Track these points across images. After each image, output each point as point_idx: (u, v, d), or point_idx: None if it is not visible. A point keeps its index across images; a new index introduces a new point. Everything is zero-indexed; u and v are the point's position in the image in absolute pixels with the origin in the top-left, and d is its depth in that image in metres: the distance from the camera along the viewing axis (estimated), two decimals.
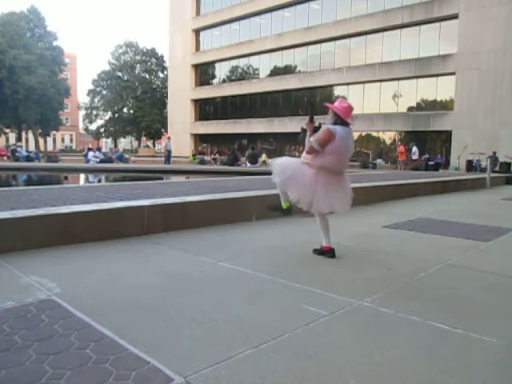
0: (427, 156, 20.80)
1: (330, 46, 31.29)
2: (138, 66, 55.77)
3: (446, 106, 25.98)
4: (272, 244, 4.04)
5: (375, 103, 28.67)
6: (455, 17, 24.41)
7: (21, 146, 28.88)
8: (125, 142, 71.81)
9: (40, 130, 47.61)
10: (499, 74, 22.73)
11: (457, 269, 3.34)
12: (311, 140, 3.40)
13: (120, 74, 55.71)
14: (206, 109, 41.95)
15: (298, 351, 1.89)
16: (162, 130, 53.60)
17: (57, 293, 2.51)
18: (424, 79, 26.45)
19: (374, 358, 1.85)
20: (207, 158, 26.86)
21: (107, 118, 57.47)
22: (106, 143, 68.31)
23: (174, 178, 14.89)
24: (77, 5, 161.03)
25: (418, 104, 27.46)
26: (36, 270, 2.96)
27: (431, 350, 1.94)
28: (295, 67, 34.18)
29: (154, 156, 38.98)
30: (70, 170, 17.11)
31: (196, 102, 41.98)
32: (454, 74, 24.55)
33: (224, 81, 40.39)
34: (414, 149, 21.19)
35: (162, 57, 55.74)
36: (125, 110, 56.49)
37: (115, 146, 54.36)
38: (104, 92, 56.30)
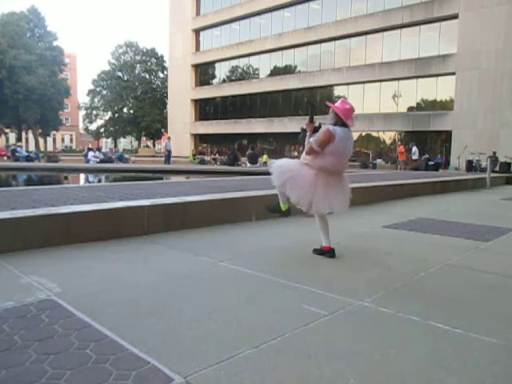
0: (427, 156, 20.79)
1: (329, 45, 31.30)
2: (137, 65, 55.78)
3: (446, 105, 25.99)
4: (272, 244, 4.04)
5: (375, 103, 28.68)
6: (455, 17, 24.41)
7: (21, 146, 28.88)
8: (125, 142, 71.83)
9: (40, 130, 47.63)
10: (499, 74, 22.74)
11: (457, 269, 3.34)
12: (311, 141, 3.40)
13: (120, 74, 55.73)
14: (206, 109, 41.96)
15: (298, 351, 1.89)
16: (162, 130, 53.62)
17: (57, 293, 2.51)
18: (424, 79, 26.46)
19: (373, 358, 1.85)
20: (207, 158, 26.86)
21: (107, 118, 57.49)
22: (106, 143, 68.31)
23: (174, 178, 14.89)
24: (77, 5, 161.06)
25: (418, 104, 27.47)
26: (36, 269, 2.96)
27: (431, 350, 1.94)
28: (295, 67, 34.19)
29: (153, 156, 39.01)
30: (70, 170, 17.11)
31: (196, 101, 42.00)
32: (454, 73, 24.56)
33: (224, 81, 40.40)
34: (414, 149, 21.20)
35: (162, 57, 55.76)
36: (125, 110, 56.51)
37: (115, 146, 54.38)
38: (104, 92, 56.32)
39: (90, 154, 20.05)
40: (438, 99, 26.53)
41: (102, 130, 58.80)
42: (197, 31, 41.40)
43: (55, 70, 45.29)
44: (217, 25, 39.29)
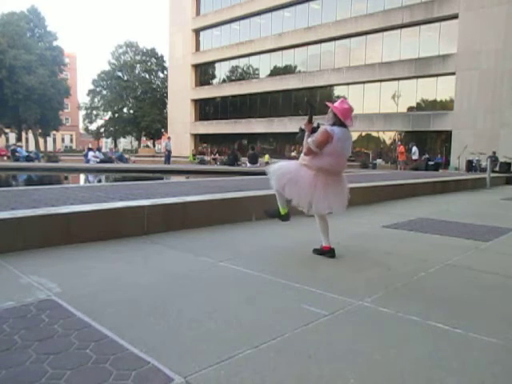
0: (427, 156, 20.79)
1: (329, 45, 31.29)
2: (137, 65, 55.77)
3: (445, 105, 25.99)
4: (272, 244, 4.04)
5: (375, 103, 28.67)
6: (455, 17, 24.41)
7: (21, 146, 28.84)
8: (125, 142, 71.83)
9: (40, 130, 47.63)
10: (499, 74, 22.73)
11: (457, 269, 3.34)
12: (309, 141, 3.39)
13: (120, 74, 55.72)
14: (206, 109, 41.96)
15: (297, 351, 1.89)
16: (162, 130, 53.62)
17: (57, 293, 2.51)
18: (424, 79, 26.46)
19: (373, 358, 1.85)
20: (207, 158, 26.85)
21: (107, 118, 57.49)
22: (106, 143, 68.31)
23: (174, 178, 14.89)
24: (77, 5, 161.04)
25: (418, 104, 27.47)
26: (36, 269, 2.96)
27: (431, 350, 1.94)
28: (295, 67, 34.19)
29: (154, 156, 38.98)
30: (70, 170, 17.11)
31: (196, 102, 41.99)
32: (453, 74, 24.55)
33: (224, 81, 40.40)
34: (414, 149, 21.20)
35: (162, 57, 55.76)
36: (125, 110, 56.51)
37: (115, 145, 54.39)
38: (104, 92, 56.32)
39: (90, 154, 20.05)
40: (438, 99, 26.53)
41: (102, 129, 58.80)
42: (197, 31, 41.40)
43: (55, 69, 45.29)
44: (217, 25, 39.28)
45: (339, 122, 3.39)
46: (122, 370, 1.67)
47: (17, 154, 22.26)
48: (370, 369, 1.77)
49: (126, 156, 24.92)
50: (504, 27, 22.37)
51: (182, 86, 41.70)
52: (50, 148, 55.36)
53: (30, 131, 48.18)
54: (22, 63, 39.53)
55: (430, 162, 19.14)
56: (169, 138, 26.16)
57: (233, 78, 39.65)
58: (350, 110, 3.43)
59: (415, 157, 21.08)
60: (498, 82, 22.77)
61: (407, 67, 26.72)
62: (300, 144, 3.61)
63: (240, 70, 39.04)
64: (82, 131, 68.65)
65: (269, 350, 1.89)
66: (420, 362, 1.83)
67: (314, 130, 3.48)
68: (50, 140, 59.18)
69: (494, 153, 19.76)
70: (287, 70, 34.48)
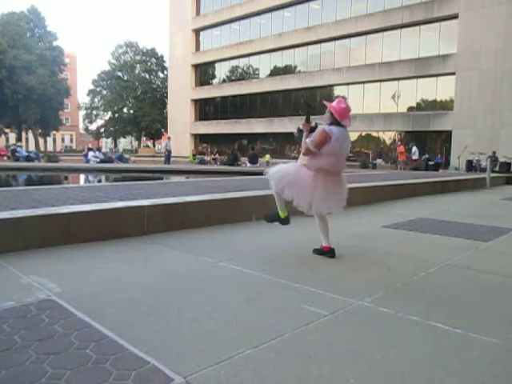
0: (427, 156, 20.80)
1: (329, 45, 31.30)
2: (137, 65, 55.78)
3: (445, 105, 25.99)
4: (272, 244, 4.03)
5: (375, 103, 28.68)
6: (455, 17, 24.41)
7: (21, 146, 28.84)
8: (125, 142, 71.83)
9: (40, 130, 47.63)
10: (499, 74, 22.74)
11: (457, 269, 3.34)
12: (307, 141, 3.39)
13: (120, 74, 55.73)
14: (206, 109, 41.96)
15: (298, 351, 1.89)
16: (162, 130, 53.62)
17: (57, 293, 2.51)
18: (424, 79, 26.46)
19: (373, 358, 1.85)
20: (207, 158, 26.86)
21: (107, 118, 57.50)
22: (106, 143, 68.31)
23: (174, 178, 14.89)
24: (77, 5, 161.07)
25: (417, 104, 27.47)
26: (36, 269, 2.96)
27: (431, 350, 1.94)
28: (295, 67, 34.19)
29: (154, 156, 39.01)
30: (70, 170, 17.11)
31: (196, 101, 42.00)
32: (453, 74, 24.56)
33: (224, 81, 40.40)
34: (414, 149, 21.20)
35: (162, 57, 55.76)
36: (125, 110, 56.52)
37: (115, 145, 54.38)
38: (104, 92, 56.32)
39: (90, 153, 20.05)
40: (438, 99, 26.53)
41: (102, 129, 58.80)
42: (197, 31, 41.40)
43: (55, 69, 45.30)
44: (217, 25, 39.28)
45: (337, 122, 3.39)
46: (122, 370, 1.67)
47: (17, 154, 22.26)
48: (369, 369, 1.77)
49: (126, 156, 24.92)
50: (504, 27, 22.37)
51: (182, 86, 41.70)
52: (50, 148, 55.35)
53: (29, 131, 48.18)
54: (22, 63, 39.53)
55: (430, 162, 19.14)
56: (169, 138, 26.17)
57: (233, 77, 39.65)
58: (347, 109, 3.41)
59: (415, 157, 21.08)
60: (498, 82, 22.78)
61: (407, 67, 26.73)
62: (299, 144, 3.60)
63: (240, 70, 39.04)
64: (82, 131, 68.66)
65: (269, 350, 1.89)
66: (420, 362, 1.83)
67: (312, 130, 3.48)
68: (50, 140, 59.18)
69: (494, 153, 19.77)
70: (287, 70, 34.48)
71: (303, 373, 1.72)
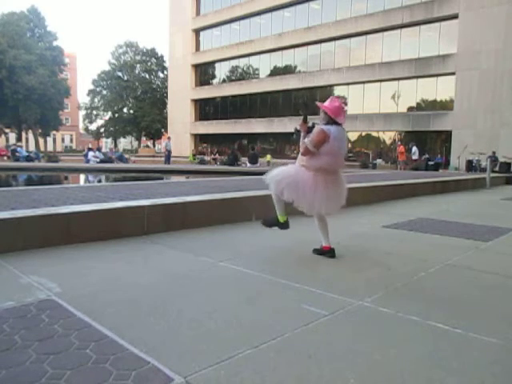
0: (427, 156, 20.80)
1: (329, 45, 31.29)
2: (137, 65, 55.78)
3: (445, 105, 25.99)
4: (272, 244, 4.03)
5: (375, 103, 28.68)
6: (455, 17, 24.41)
7: (21, 146, 28.88)
8: (125, 142, 71.83)
9: (40, 130, 47.63)
10: (499, 74, 22.74)
11: (457, 269, 3.34)
12: (305, 141, 3.39)
13: (120, 74, 55.73)
14: (206, 109, 41.96)
15: (298, 351, 1.89)
16: (162, 130, 53.62)
17: (57, 293, 2.51)
18: (424, 79, 26.46)
19: (373, 358, 1.85)
20: (207, 158, 26.88)
21: (107, 118, 57.50)
22: (106, 143, 68.31)
23: (174, 178, 14.89)
24: (77, 5, 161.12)
25: (417, 104, 27.47)
26: (36, 269, 2.96)
27: (431, 350, 1.94)
28: (295, 67, 34.19)
29: (154, 156, 39.02)
30: (70, 170, 17.11)
31: (196, 101, 42.00)
32: (453, 74, 24.56)
33: (224, 81, 40.40)
34: (414, 149, 21.20)
35: (162, 57, 55.76)
36: (125, 110, 56.52)
37: (115, 145, 54.40)
38: (104, 92, 56.32)
39: (90, 154, 20.05)
40: (438, 99, 26.53)
41: (102, 129, 58.80)
42: (197, 31, 41.40)
43: (55, 69, 45.29)
44: (217, 25, 39.28)
45: (332, 121, 3.40)
46: (122, 370, 1.67)
47: (17, 153, 22.27)
48: (370, 369, 1.77)
49: (126, 156, 24.93)
50: (504, 27, 22.37)
51: (182, 86, 41.70)
52: (50, 148, 55.32)
53: (30, 131, 48.19)
54: (22, 63, 39.54)
55: (430, 162, 19.14)
56: (169, 138, 26.17)
57: (233, 77, 39.65)
58: (341, 107, 3.40)
59: (415, 157, 21.08)
60: (498, 82, 22.78)
61: (407, 67, 26.73)
62: (297, 144, 3.60)
63: (240, 70, 39.04)
64: (82, 131, 68.66)
65: (269, 350, 1.89)
66: (420, 362, 1.83)
67: (309, 130, 3.48)
68: (50, 140, 59.15)
69: (494, 153, 19.77)
70: (287, 70, 34.48)
71: (303, 373, 1.72)
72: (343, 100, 3.46)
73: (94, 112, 57.27)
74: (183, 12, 41.49)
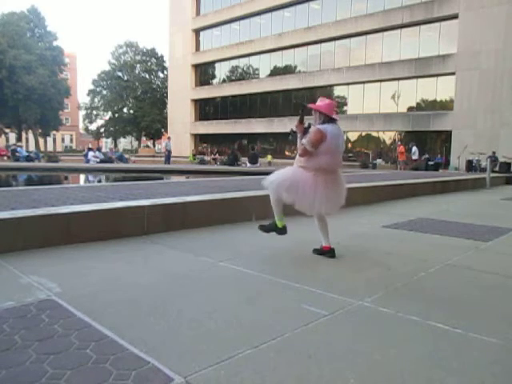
0: (427, 156, 20.80)
1: (329, 45, 31.29)
2: (137, 65, 55.77)
3: (445, 105, 25.99)
4: (272, 244, 4.03)
5: (375, 103, 28.67)
6: (455, 17, 24.41)
7: (21, 146, 28.87)
8: (125, 142, 71.83)
9: (40, 130, 47.63)
10: (499, 74, 22.73)
11: (457, 269, 3.34)
12: (303, 142, 3.39)
13: (120, 74, 55.72)
14: (206, 109, 41.96)
15: (298, 351, 1.89)
16: (162, 130, 53.62)
17: (57, 293, 2.51)
18: (424, 79, 26.45)
19: (373, 358, 1.85)
20: (207, 158, 26.88)
21: (107, 118, 57.50)
22: (106, 143, 68.30)
23: (174, 178, 14.89)
24: (77, 5, 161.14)
25: (417, 104, 27.47)
26: (36, 269, 2.96)
27: (431, 350, 1.94)
28: (295, 67, 34.18)
29: (154, 156, 39.03)
30: (70, 170, 17.11)
31: (196, 101, 41.99)
32: (453, 74, 24.56)
33: (224, 81, 40.39)
34: (414, 149, 21.20)
35: (162, 57, 55.76)
36: (125, 110, 56.52)
37: (115, 145, 54.40)
38: (104, 92, 56.32)
39: (90, 153, 20.05)
40: (438, 99, 26.53)
41: (102, 130, 58.80)
42: (197, 31, 41.39)
43: (55, 69, 45.29)
44: (217, 25, 39.27)
45: (327, 119, 3.41)
46: (122, 370, 1.67)
47: (17, 153, 22.27)
48: (369, 369, 1.77)
49: (126, 156, 24.93)
50: (504, 27, 22.37)
51: (182, 86, 41.70)
52: (50, 148, 55.32)
53: (30, 131, 48.19)
54: (22, 63, 39.54)
55: (430, 162, 19.14)
56: (169, 138, 26.17)
57: (233, 77, 39.64)
58: (332, 103, 3.45)
59: (415, 157, 21.08)
60: (498, 82, 22.77)
61: (407, 67, 26.72)
62: (294, 144, 3.61)
63: (240, 70, 39.03)
64: (82, 131, 68.66)
65: (269, 350, 1.89)
66: (420, 362, 1.83)
67: (305, 131, 3.49)
68: (50, 140, 59.14)
69: (494, 153, 19.77)
70: (287, 70, 34.47)
71: (303, 373, 1.72)
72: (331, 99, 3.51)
73: (94, 112, 57.27)
74: (183, 12, 41.48)
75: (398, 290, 2.79)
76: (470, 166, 19.42)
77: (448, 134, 25.21)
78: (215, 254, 3.56)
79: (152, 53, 56.08)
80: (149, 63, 56.20)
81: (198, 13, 41.08)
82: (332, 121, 3.42)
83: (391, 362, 1.82)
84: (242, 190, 6.01)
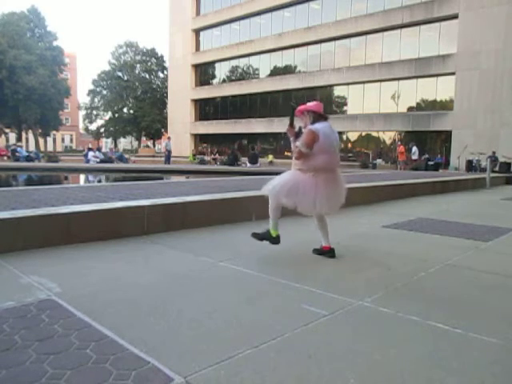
0: (427, 156, 20.80)
1: (329, 45, 31.28)
2: (138, 65, 55.77)
3: (445, 105, 25.98)
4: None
5: (375, 103, 28.67)
6: (455, 17, 24.41)
7: (21, 146, 28.87)
8: (125, 142, 71.83)
9: (40, 130, 47.63)
10: (499, 74, 22.73)
11: (457, 269, 3.34)
12: (298, 145, 3.40)
13: (120, 74, 55.71)
14: (206, 109, 41.95)
15: (298, 351, 1.89)
16: (162, 130, 53.62)
17: (57, 293, 2.52)
18: (424, 79, 26.45)
19: (373, 358, 1.85)
20: (207, 158, 26.88)
21: (107, 118, 57.49)
22: (106, 143, 68.30)
23: (174, 178, 14.90)
24: (77, 5, 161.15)
25: (417, 104, 27.46)
26: (36, 269, 2.96)
27: (431, 350, 1.94)
28: (295, 67, 34.18)
29: (154, 156, 39.01)
30: (70, 170, 17.12)
31: (196, 102, 41.99)
32: (453, 74, 24.55)
33: (224, 81, 40.39)
34: (414, 149, 21.20)
35: (162, 57, 55.75)
36: (125, 110, 56.51)
37: (115, 145, 54.38)
38: (104, 92, 56.31)
39: (90, 153, 20.05)
40: (438, 99, 26.52)
41: (102, 129, 58.79)
42: (197, 31, 41.39)
43: (55, 70, 45.28)
44: (217, 25, 39.27)
45: (318, 117, 3.44)
46: (122, 370, 1.67)
47: (17, 153, 22.27)
48: (370, 369, 1.77)
49: (126, 156, 24.93)
50: (504, 27, 22.36)
51: (182, 86, 41.69)
52: (50, 148, 55.31)
53: (30, 131, 48.18)
54: (22, 63, 39.54)
55: (430, 162, 19.14)
56: (169, 138, 26.17)
57: (233, 78, 39.64)
58: (320, 103, 3.52)
59: (415, 157, 21.08)
60: (498, 82, 22.77)
61: (407, 67, 26.72)
62: (288, 149, 3.63)
63: (240, 70, 39.03)
64: (82, 131, 68.67)
65: (269, 350, 1.89)
66: (420, 362, 1.83)
67: (297, 135, 3.51)
68: (50, 140, 59.13)
69: (494, 153, 19.77)
70: (287, 70, 34.47)
71: (303, 373, 1.72)
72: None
73: (94, 112, 57.26)
74: (183, 12, 41.48)
75: (398, 290, 2.79)
76: (470, 166, 19.42)
77: (448, 134, 25.21)
78: (215, 254, 3.56)
79: (152, 53, 56.07)
80: (149, 63, 56.19)
81: (197, 13, 41.07)
82: (322, 119, 3.45)
83: (391, 362, 1.82)
84: (242, 190, 6.01)
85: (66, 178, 15.51)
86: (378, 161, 25.53)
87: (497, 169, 17.16)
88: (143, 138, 61.63)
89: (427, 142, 27.18)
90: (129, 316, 2.22)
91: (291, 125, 3.59)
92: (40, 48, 43.81)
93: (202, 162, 23.98)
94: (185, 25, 41.40)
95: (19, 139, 46.70)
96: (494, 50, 22.77)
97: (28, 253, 3.39)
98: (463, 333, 2.13)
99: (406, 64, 26.79)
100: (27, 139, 51.41)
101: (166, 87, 48.45)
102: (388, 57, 27.90)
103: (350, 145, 31.05)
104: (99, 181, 14.84)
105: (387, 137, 29.78)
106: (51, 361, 1.73)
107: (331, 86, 31.58)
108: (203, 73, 42.09)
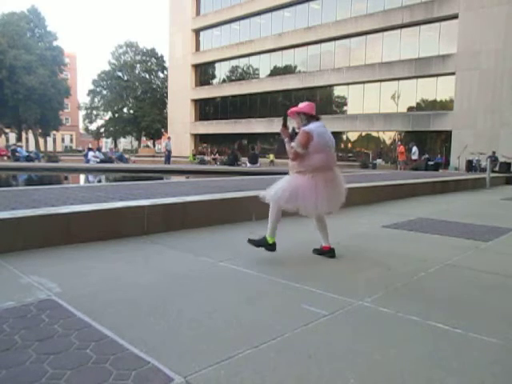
0: (427, 156, 20.78)
1: (330, 45, 31.28)
2: (138, 65, 55.78)
3: (445, 105, 25.98)
4: None
5: (375, 103, 28.66)
6: (455, 17, 24.40)
7: (21, 146, 28.87)
8: (125, 142, 71.83)
9: (40, 130, 47.63)
10: (499, 74, 22.73)
11: (457, 269, 3.34)
12: (293, 146, 3.40)
13: (120, 74, 55.72)
14: (206, 109, 41.95)
15: (298, 351, 1.89)
16: (162, 130, 53.63)
17: (57, 293, 2.51)
18: (424, 79, 26.44)
19: (373, 358, 1.85)
20: (207, 158, 26.88)
21: (107, 118, 57.50)
22: (106, 143, 68.31)
23: (174, 178, 14.89)
24: (77, 5, 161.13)
25: (417, 104, 27.46)
26: (36, 269, 2.96)
27: (431, 350, 1.94)
28: (295, 67, 34.18)
29: (154, 156, 39.03)
30: (70, 170, 17.12)
31: (196, 101, 41.99)
32: (453, 74, 24.55)
33: (224, 81, 40.39)
34: (414, 149, 21.19)
35: (162, 57, 55.76)
36: (125, 110, 56.52)
37: (115, 145, 54.38)
38: (104, 92, 56.32)
39: (90, 153, 20.04)
40: (438, 99, 26.52)
41: (102, 129, 58.80)
42: (197, 31, 41.39)
43: (55, 69, 45.28)
44: (217, 25, 39.27)
45: (310, 118, 3.46)
46: (122, 370, 1.67)
47: (17, 153, 22.26)
48: (370, 369, 1.77)
49: (126, 156, 24.92)
50: (504, 27, 22.36)
51: (182, 86, 41.69)
52: (50, 148, 55.31)
53: (30, 131, 48.18)
54: (22, 63, 39.54)
55: (430, 162, 19.13)
56: (169, 138, 26.15)
57: (233, 78, 39.64)
58: (312, 104, 3.54)
59: (415, 157, 21.07)
60: (498, 82, 22.77)
61: (407, 67, 26.72)
62: (280, 154, 3.63)
63: (240, 70, 39.02)
64: (82, 131, 68.68)
65: (269, 350, 1.89)
66: (420, 362, 1.83)
67: (291, 136, 3.52)
68: (50, 140, 59.13)
69: (494, 153, 19.76)
70: (287, 70, 34.46)
71: (303, 373, 1.72)
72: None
73: (94, 112, 57.27)
74: (183, 12, 41.48)
75: (398, 289, 2.79)
76: (470, 166, 19.42)
77: (448, 133, 25.21)
78: (215, 254, 3.56)
79: (152, 53, 56.08)
80: (149, 63, 56.20)
81: (198, 13, 41.07)
82: (314, 119, 3.47)
83: (391, 362, 1.82)
84: (242, 190, 6.01)
85: (66, 178, 15.51)
86: (378, 161, 25.52)
87: (497, 169, 17.16)
88: (143, 138, 61.65)
89: (427, 141, 27.17)
90: (129, 316, 2.22)
91: (284, 125, 3.59)
92: (40, 48, 43.81)
93: (202, 162, 23.98)
94: (185, 25, 41.40)
95: (19, 139, 46.70)
96: (493, 49, 22.77)
97: (28, 253, 3.39)
98: (463, 333, 2.13)
99: (405, 64, 26.79)
100: (27, 139, 51.42)
101: (166, 87, 48.46)
102: (388, 57, 27.90)
103: (349, 145, 31.05)
104: (99, 181, 14.84)
105: (387, 137, 29.78)
106: (51, 361, 1.73)
107: (331, 86, 31.57)
108: (203, 73, 42.09)
